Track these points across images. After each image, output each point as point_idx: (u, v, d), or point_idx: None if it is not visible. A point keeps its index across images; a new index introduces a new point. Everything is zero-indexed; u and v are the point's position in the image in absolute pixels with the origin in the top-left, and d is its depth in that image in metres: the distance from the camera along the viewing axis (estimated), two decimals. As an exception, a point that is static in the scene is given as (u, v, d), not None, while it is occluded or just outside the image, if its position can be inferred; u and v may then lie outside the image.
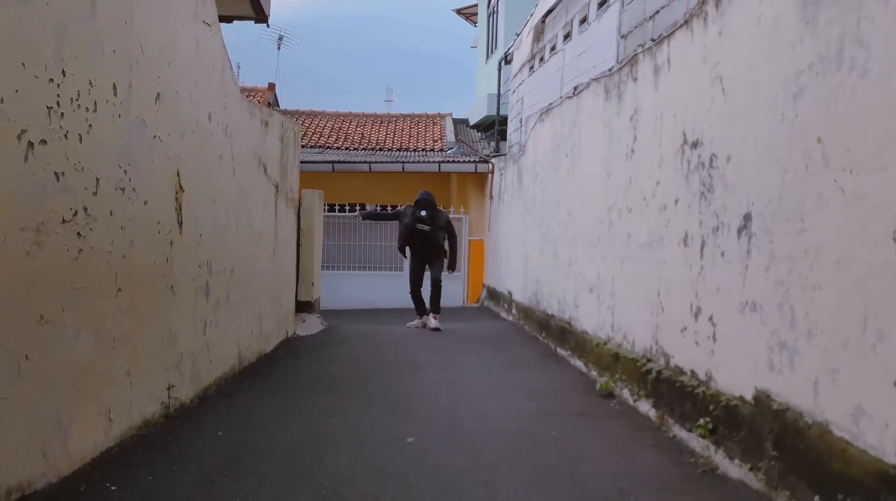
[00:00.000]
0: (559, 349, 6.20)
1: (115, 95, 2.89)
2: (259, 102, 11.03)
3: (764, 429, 2.69)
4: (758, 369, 2.81)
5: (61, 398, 2.51)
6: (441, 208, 8.47)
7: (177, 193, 3.62)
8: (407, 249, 8.18)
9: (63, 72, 2.47)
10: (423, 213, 7.73)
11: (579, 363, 5.48)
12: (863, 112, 2.26)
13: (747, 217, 3.02)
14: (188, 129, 3.78)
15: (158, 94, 3.34)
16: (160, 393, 3.43)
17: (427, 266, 8.09)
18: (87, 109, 2.65)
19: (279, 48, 20.56)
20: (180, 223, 3.66)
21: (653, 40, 4.39)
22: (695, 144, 3.66)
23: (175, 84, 3.57)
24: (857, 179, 2.26)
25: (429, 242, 7.94)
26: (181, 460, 2.85)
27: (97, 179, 2.73)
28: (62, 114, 2.47)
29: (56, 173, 2.44)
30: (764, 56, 2.94)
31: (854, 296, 2.25)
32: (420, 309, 8.13)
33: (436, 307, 7.92)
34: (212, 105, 4.20)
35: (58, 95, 2.44)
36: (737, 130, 3.17)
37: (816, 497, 2.28)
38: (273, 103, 16.35)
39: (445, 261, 8.09)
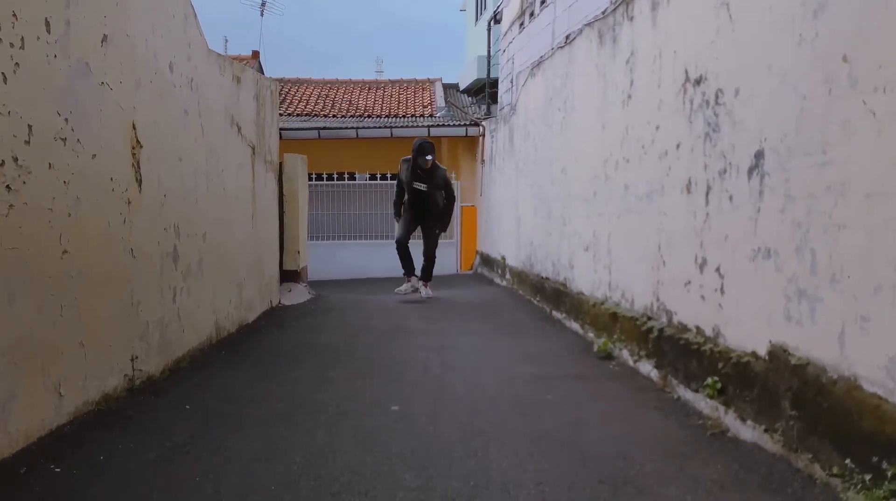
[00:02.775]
0: (554, 312, 5.96)
1: (49, 32, 2.55)
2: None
3: (780, 386, 2.44)
4: (773, 321, 2.55)
5: (-5, 371, 2.23)
6: (440, 164, 7.67)
7: (133, 148, 3.30)
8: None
9: (-24, -1, 2.14)
10: (429, 157, 6.87)
11: (575, 325, 5.23)
12: (900, 19, 1.96)
13: (759, 155, 2.73)
14: (144, 78, 3.45)
15: (105, 35, 3.00)
16: (122, 365, 3.16)
17: (421, 229, 7.37)
18: (11, 45, 2.32)
19: (262, 14, 19.92)
20: (139, 182, 3.36)
21: (650, -27, 4.04)
22: (698, 81, 3.35)
23: (126, 27, 3.22)
24: (893, 99, 1.97)
25: (426, 201, 7.17)
26: (140, 436, 2.59)
27: (29, 126, 2.42)
28: (-22, 47, 2.15)
29: (-27, 116, 2.13)
30: (778, -28, 2.62)
31: (888, 233, 1.98)
32: (407, 268, 7.38)
33: (427, 276, 7.43)
34: (173, 55, 3.85)
35: (-30, 25, 2.12)
36: (746, 60, 2.87)
37: (847, 461, 2.04)
38: (257, 72, 15.85)
39: (439, 230, 7.47)
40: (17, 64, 2.34)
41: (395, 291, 7.40)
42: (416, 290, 7.35)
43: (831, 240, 2.23)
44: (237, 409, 3.01)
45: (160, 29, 3.67)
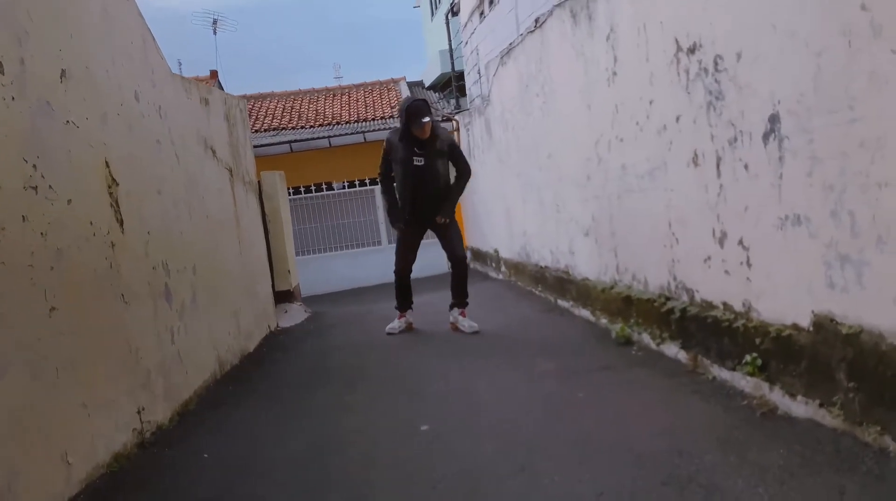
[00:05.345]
0: (560, 301, 5.83)
1: (2, 73, 2.33)
2: (201, 88, 10.26)
3: (832, 358, 2.32)
4: (813, 290, 2.43)
5: (-6, 451, 2.03)
6: (442, 125, 5.38)
7: (110, 186, 3.09)
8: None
9: (-79, 45, 1.93)
10: (426, 119, 4.76)
11: (585, 313, 5.10)
12: (928, -43, 1.83)
13: (774, 119, 2.60)
14: (111, 111, 3.23)
15: (63, 70, 2.78)
16: (129, 419, 2.95)
17: (435, 229, 5.10)
18: (-34, 93, 2.11)
19: (215, 32, 19.56)
20: (121, 222, 3.14)
21: (625, -57, 3.91)
22: (692, 50, 3.22)
23: (84, 59, 3.00)
24: (931, 42, 1.84)
25: (432, 180, 4.91)
26: (160, 497, 2.40)
27: (-4, 179, 2.21)
28: (-71, 100, 1.94)
29: (-66, 176, 1.92)
30: (775, -76, 2.49)
31: (941, 185, 1.86)
32: (403, 301, 5.28)
33: (462, 299, 5.08)
34: (137, 83, 3.63)
35: (-83, 75, 1.90)
36: (746, 21, 2.74)
37: (928, 432, 1.92)
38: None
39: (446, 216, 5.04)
40: (-26, 112, 2.13)
41: (387, 330, 5.32)
42: (410, 326, 5.38)
43: (872, 200, 2.11)
44: (259, 452, 2.82)
45: (120, 57, 3.45)
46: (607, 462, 2.30)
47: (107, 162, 3.09)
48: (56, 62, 2.74)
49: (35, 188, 2.44)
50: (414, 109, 4.82)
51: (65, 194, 2.65)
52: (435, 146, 4.91)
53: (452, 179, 5.20)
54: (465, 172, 5.14)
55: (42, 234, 2.43)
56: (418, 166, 4.88)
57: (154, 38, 4.07)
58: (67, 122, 2.76)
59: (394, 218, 5.15)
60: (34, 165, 2.45)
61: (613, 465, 2.27)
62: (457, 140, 11.18)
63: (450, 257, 5.12)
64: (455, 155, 5.10)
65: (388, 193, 5.18)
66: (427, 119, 4.79)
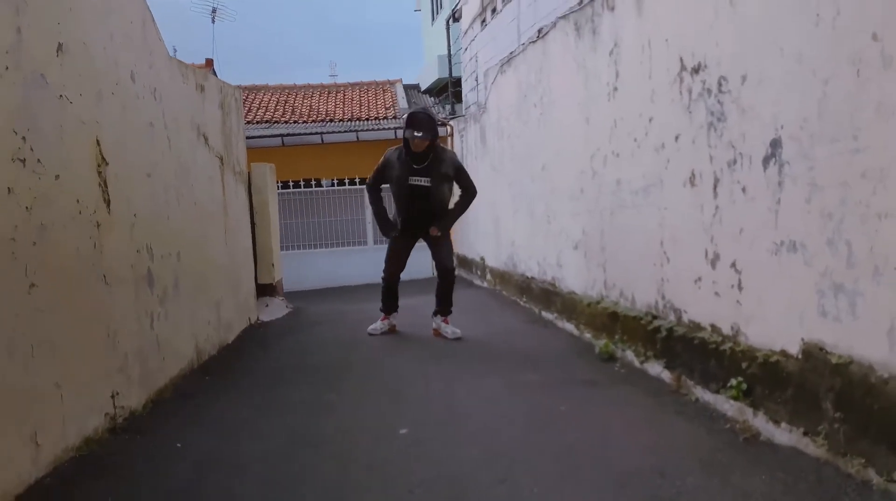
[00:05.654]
0: (544, 313, 5.81)
1: (-1, 40, 2.28)
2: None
3: (820, 387, 2.32)
4: (805, 318, 2.43)
5: (-39, 428, 1.96)
6: (446, 147, 5.39)
7: (99, 165, 3.02)
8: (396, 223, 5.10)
9: (-84, 4, 1.87)
10: (419, 134, 4.73)
11: (569, 326, 5.09)
12: (943, -8, 1.84)
13: (775, 143, 2.61)
14: (106, 89, 3.16)
15: (60, 44, 2.72)
16: (103, 403, 2.88)
17: (426, 243, 5.14)
18: (-42, 58, 2.04)
19: (213, 21, 19.41)
20: (108, 202, 3.07)
21: (635, -40, 3.91)
22: (696, 69, 3.22)
23: (82, 34, 2.94)
24: (941, 77, 1.85)
25: (429, 203, 4.91)
26: (132, 484, 2.33)
27: (-16, 148, 2.15)
28: (-80, 60, 1.87)
29: (-81, 139, 1.85)
30: (789, -50, 2.50)
31: (941, 220, 1.86)
32: (389, 304, 5.31)
33: (446, 307, 5.09)
34: (134, 63, 3.57)
35: None
36: (753, 45, 2.74)
37: (915, 466, 1.92)
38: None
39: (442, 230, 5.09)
40: (-34, 78, 2.07)
41: (369, 330, 5.34)
42: (394, 329, 5.39)
43: (871, 230, 2.11)
44: (234, 446, 2.76)
45: (118, 36, 3.39)
46: (589, 479, 2.27)
47: (98, 140, 3.03)
48: (54, 35, 2.68)
49: (23, 161, 2.37)
50: (413, 119, 4.85)
51: (53, 170, 2.58)
52: (440, 170, 4.91)
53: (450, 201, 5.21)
54: (470, 193, 5.14)
55: (27, 208, 2.37)
56: (420, 187, 4.89)
57: (154, 21, 4.00)
58: (61, 96, 2.70)
59: (384, 228, 5.16)
60: (23, 138, 2.38)
61: (595, 482, 2.24)
62: (450, 145, 11.19)
63: (438, 267, 5.13)
64: (461, 177, 5.09)
65: (375, 203, 5.19)
66: (420, 135, 4.76)
